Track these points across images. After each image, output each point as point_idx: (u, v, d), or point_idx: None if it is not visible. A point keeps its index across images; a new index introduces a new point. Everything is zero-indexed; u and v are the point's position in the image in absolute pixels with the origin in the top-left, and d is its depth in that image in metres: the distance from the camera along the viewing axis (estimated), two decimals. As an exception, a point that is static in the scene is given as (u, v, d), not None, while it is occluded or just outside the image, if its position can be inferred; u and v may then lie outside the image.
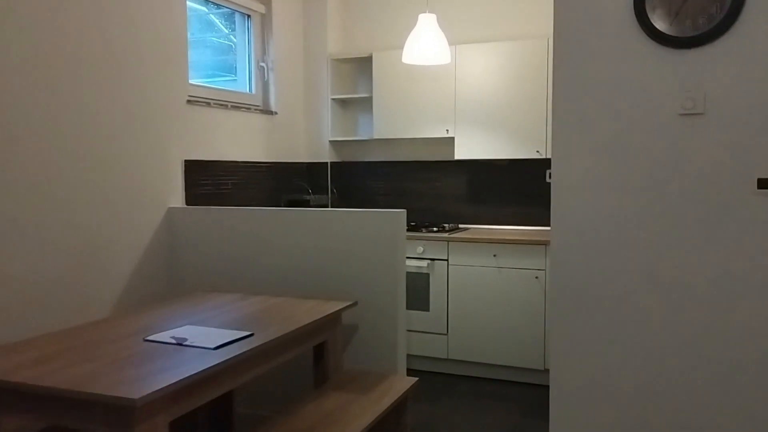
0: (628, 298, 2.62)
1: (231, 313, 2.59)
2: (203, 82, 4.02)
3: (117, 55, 3.14)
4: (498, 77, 4.22)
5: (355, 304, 2.84)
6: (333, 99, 4.84)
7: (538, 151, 4.16)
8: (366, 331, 3.03)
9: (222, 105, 3.95)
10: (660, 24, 2.49)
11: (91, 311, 3.00)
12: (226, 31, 4.43)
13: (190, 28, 4.14)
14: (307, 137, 4.91)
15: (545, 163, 4.45)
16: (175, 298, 3.11)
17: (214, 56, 4.39)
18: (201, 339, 2.16)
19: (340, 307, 2.71)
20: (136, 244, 3.27)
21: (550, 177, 4.39)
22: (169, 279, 3.50)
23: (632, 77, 2.57)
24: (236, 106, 4.10)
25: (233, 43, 4.43)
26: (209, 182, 3.85)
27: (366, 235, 3.03)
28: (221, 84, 4.26)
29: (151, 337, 2.20)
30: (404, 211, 3.06)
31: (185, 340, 2.15)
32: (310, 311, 2.61)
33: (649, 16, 2.51)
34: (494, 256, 4.01)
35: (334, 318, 2.68)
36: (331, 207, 4.90)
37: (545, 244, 3.88)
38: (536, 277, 3.91)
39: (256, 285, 3.29)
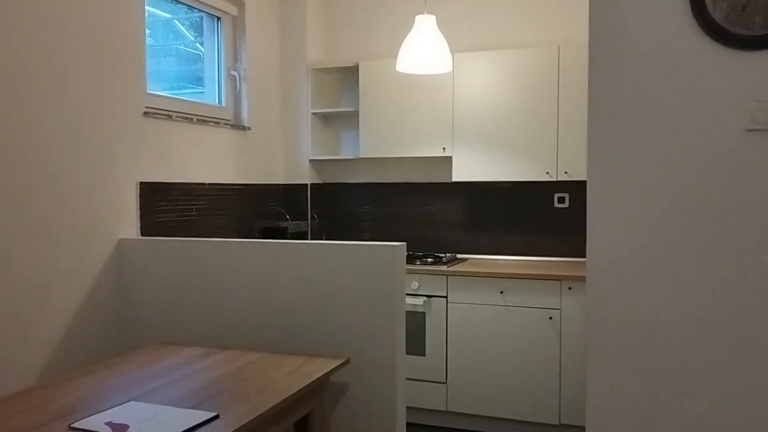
0: (684, 345, 2.16)
1: (191, 378, 2.06)
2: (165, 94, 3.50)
3: (60, 59, 2.61)
4: (501, 89, 3.79)
5: (346, 362, 2.33)
6: (314, 113, 4.36)
7: (547, 173, 3.72)
8: (358, 388, 2.52)
9: (186, 118, 3.44)
10: (723, 20, 2.07)
11: (11, 378, 2.44)
12: (193, 39, 3.93)
13: (153, 36, 3.64)
14: (285, 156, 4.41)
15: (555, 186, 4.02)
16: (122, 355, 2.57)
17: (179, 66, 3.89)
18: (147, 426, 1.63)
19: (330, 368, 2.19)
20: (76, 286, 2.72)
21: (559, 202, 3.95)
22: (118, 328, 2.95)
23: (688, 85, 2.13)
24: (203, 120, 3.59)
25: (201, 52, 3.93)
26: (169, 208, 3.32)
27: (358, 273, 2.54)
28: (187, 97, 3.75)
29: (79, 424, 1.66)
30: (404, 244, 2.58)
31: (126, 428, 1.62)
32: (292, 374, 2.10)
33: (710, 10, 2.08)
34: (501, 293, 3.53)
35: (321, 383, 2.17)
36: (312, 235, 4.39)
37: (560, 279, 3.42)
38: (550, 318, 3.44)
39: (225, 335, 2.75)
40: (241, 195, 3.93)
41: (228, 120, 3.90)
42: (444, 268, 3.67)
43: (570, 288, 3.40)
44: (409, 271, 3.70)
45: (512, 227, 4.12)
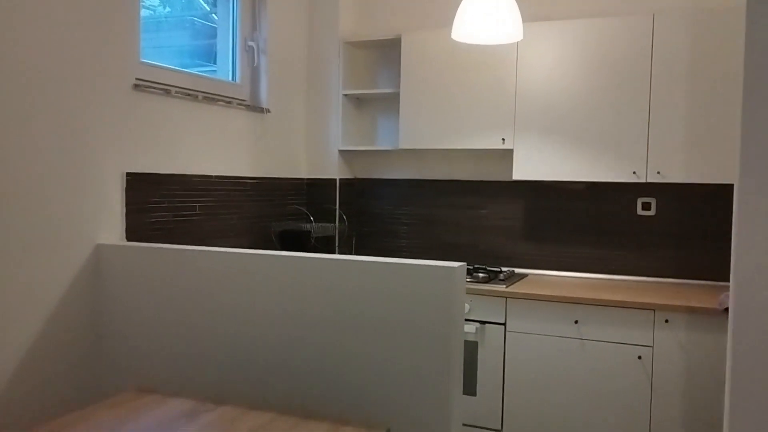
0: None
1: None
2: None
3: (24, 15, 2.02)
4: (578, 68, 3.10)
5: (387, 433, 1.69)
6: (345, 95, 3.72)
7: (634, 173, 3.03)
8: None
9: (188, 95, 2.83)
10: None
11: (-60, 424, 1.85)
12: (209, 9, 3.33)
13: (163, 4, 3.05)
14: (310, 145, 3.78)
15: (639, 189, 3.32)
16: (88, 409, 1.98)
17: (193, 41, 3.28)
18: None
19: (364, 446, 1.56)
20: (38, 305, 2.12)
21: (644, 208, 3.25)
22: (90, 368, 2.35)
23: None
24: (210, 98, 2.97)
25: (216, 24, 3.32)
26: (165, 205, 2.71)
27: (401, 301, 1.90)
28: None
29: None
30: (464, 265, 1.93)
31: None
32: (310, 458, 1.46)
33: None
34: (575, 322, 2.86)
35: (352, 468, 1.53)
36: (339, 240, 3.76)
37: (653, 309, 2.73)
38: (639, 357, 2.76)
39: (223, 381, 2.14)
40: (255, 191, 3.31)
41: (242, 100, 3.28)
42: (502, 287, 3.01)
43: (667, 321, 2.71)
44: (459, 290, 3.05)
45: (584, 238, 3.44)
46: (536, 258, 3.53)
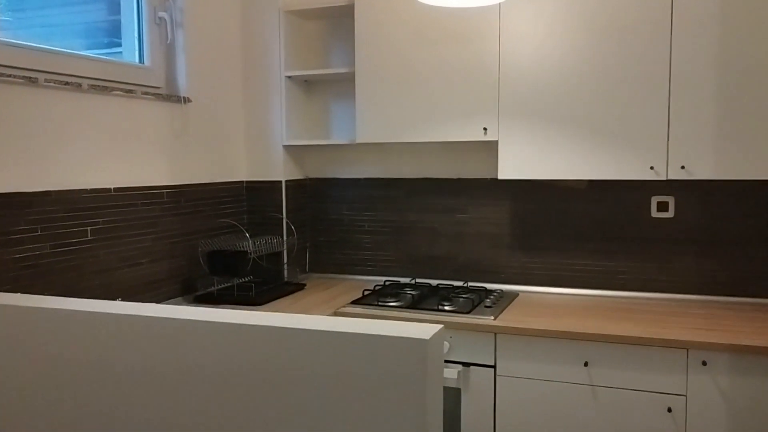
0: None
1: None
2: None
3: None
4: (576, 36, 2.48)
5: None
6: (289, 77, 3.06)
7: (653, 168, 2.42)
8: None
9: (68, 83, 2.15)
10: None
11: None
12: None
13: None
14: (248, 140, 3.12)
15: (653, 187, 2.73)
16: None
17: (94, 17, 2.58)
18: None
19: None
20: None
21: (660, 209, 2.66)
22: None
23: None
24: (102, 86, 2.29)
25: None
26: (39, 234, 2.05)
27: (354, 383, 1.28)
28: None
29: None
30: (441, 329, 1.32)
31: None
32: None
33: None
34: (585, 364, 2.26)
35: None
36: (288, 259, 3.11)
37: (686, 348, 2.15)
38: (669, 410, 2.17)
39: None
40: (176, 202, 2.65)
41: (153, 87, 2.60)
42: (489, 320, 2.40)
43: (705, 363, 2.13)
44: (435, 321, 2.43)
45: (586, 246, 2.84)
46: (529, 272, 2.93)
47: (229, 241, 2.80)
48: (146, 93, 2.50)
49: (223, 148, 2.96)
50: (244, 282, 2.95)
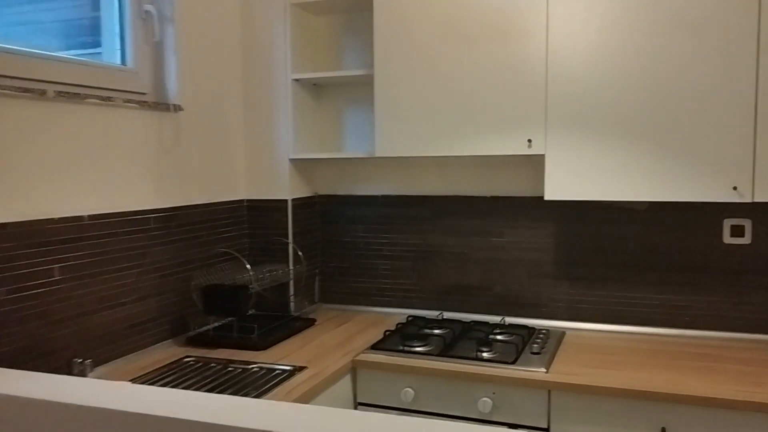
0: None
1: None
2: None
3: None
4: (640, 31, 2.10)
5: None
6: (297, 80, 2.68)
7: (736, 188, 2.04)
8: None
9: (28, 90, 1.77)
10: None
11: None
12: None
13: None
14: (249, 154, 2.74)
15: (726, 209, 2.34)
16: None
17: (73, 15, 2.21)
18: None
19: None
20: None
21: (734, 234, 2.27)
22: None
23: None
24: (76, 94, 1.91)
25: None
26: (-12, 280, 1.67)
27: None
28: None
29: None
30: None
31: None
32: None
33: None
34: (662, 431, 1.87)
35: None
36: (295, 290, 2.73)
37: (791, 413, 1.76)
38: (770, 490, 1.78)
39: None
40: (165, 228, 2.27)
41: (138, 93, 2.22)
42: (541, 372, 2.01)
43: (817, 434, 1.74)
44: (471, 376, 2.04)
45: (644, 277, 2.45)
46: (576, 306, 2.54)
47: (227, 273, 2.42)
48: (129, 100, 2.12)
49: (220, 163, 2.58)
50: (244, 319, 2.57)
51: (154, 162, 2.23)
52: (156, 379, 1.97)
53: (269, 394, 1.84)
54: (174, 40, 2.32)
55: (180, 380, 1.96)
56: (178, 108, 2.33)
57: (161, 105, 2.26)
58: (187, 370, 2.06)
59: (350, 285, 2.87)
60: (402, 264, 2.78)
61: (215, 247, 2.52)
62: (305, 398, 1.88)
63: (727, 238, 2.35)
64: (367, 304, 2.85)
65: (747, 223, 2.33)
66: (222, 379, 1.97)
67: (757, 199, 2.02)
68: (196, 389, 1.89)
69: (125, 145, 2.11)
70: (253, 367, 2.07)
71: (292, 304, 2.71)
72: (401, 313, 2.76)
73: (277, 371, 2.04)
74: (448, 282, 2.71)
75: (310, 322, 2.59)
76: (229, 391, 1.87)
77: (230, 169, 2.64)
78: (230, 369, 2.06)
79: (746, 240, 2.33)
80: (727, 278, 2.36)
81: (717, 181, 2.06)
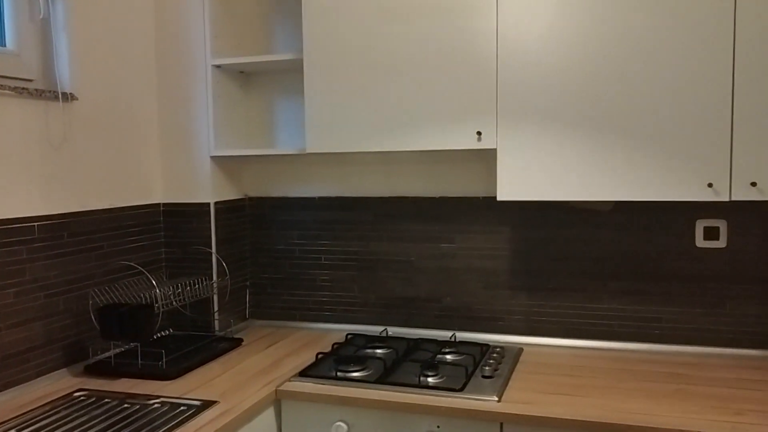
0: None
1: None
2: None
3: None
4: (601, 11, 1.84)
5: None
6: (218, 66, 2.37)
7: (711, 185, 1.80)
8: None
9: None
10: None
11: None
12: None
13: None
14: (164, 151, 2.42)
15: (698, 209, 2.10)
16: None
17: None
18: None
19: None
20: None
21: (707, 237, 2.04)
22: None
23: None
24: None
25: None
26: None
27: None
28: None
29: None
30: None
31: None
32: None
33: None
34: (632, 470, 1.61)
35: None
36: (221, 303, 2.42)
37: (780, 448, 1.51)
38: None
39: None
40: (54, 239, 1.94)
41: (20, 79, 1.89)
42: (491, 401, 1.74)
43: (810, 473, 1.50)
44: (408, 406, 1.76)
45: (611, 285, 2.21)
46: (535, 319, 2.28)
47: (132, 290, 2.09)
48: (5, 87, 1.79)
49: (128, 163, 2.25)
50: (155, 342, 2.25)
51: (39, 161, 1.90)
52: (30, 422, 1.64)
53: (166, 439, 1.54)
54: (64, 17, 1.99)
55: (61, 422, 1.64)
56: (70, 97, 2.00)
57: (48, 93, 1.93)
58: (75, 407, 1.74)
59: (284, 299, 2.57)
60: (342, 274, 2.49)
61: (120, 260, 2.19)
62: (211, 442, 1.58)
63: (701, 242, 2.12)
64: (304, 320, 2.55)
65: (722, 225, 2.10)
66: (113, 419, 1.66)
67: (735, 198, 1.78)
68: (78, 434, 1.57)
69: (1, 141, 1.78)
70: (154, 403, 1.76)
71: (216, 323, 2.40)
72: (342, 330, 2.47)
73: (182, 407, 1.73)
74: (394, 294, 2.43)
75: (235, 343, 2.29)
76: (118, 435, 1.56)
77: (141, 169, 2.32)
78: (126, 406, 1.75)
79: (721, 243, 2.10)
80: (700, 286, 2.12)
81: (690, 178, 1.81)
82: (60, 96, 1.96)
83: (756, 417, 1.60)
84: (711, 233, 2.11)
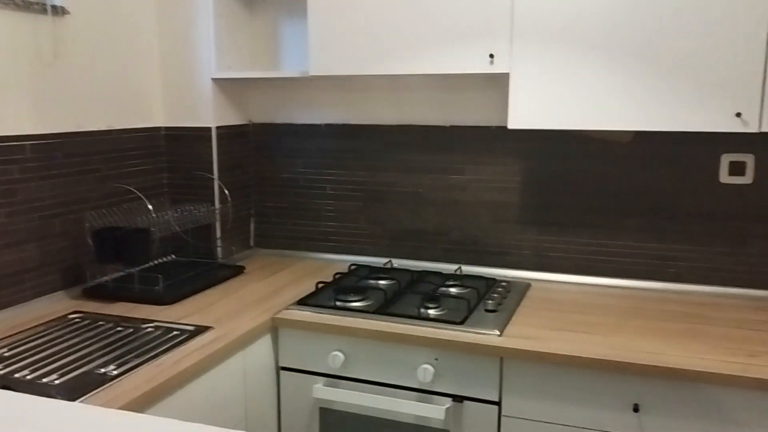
0: None
1: None
2: None
3: None
4: None
5: None
6: (219, -17, 2.25)
7: (739, 115, 1.67)
8: None
9: None
10: None
11: None
12: None
13: None
14: (165, 72, 2.33)
15: (727, 140, 1.98)
16: None
17: None
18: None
19: None
20: None
21: (732, 172, 1.93)
22: None
23: None
24: None
25: None
26: None
27: None
28: None
29: None
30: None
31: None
32: None
33: None
34: (635, 409, 1.56)
35: None
36: (223, 229, 2.37)
37: (792, 392, 1.44)
38: (762, 483, 1.49)
39: None
40: (47, 160, 1.89)
41: (1, -11, 1.80)
42: (492, 335, 1.68)
43: (823, 418, 1.43)
44: (406, 337, 1.72)
45: (628, 222, 2.11)
46: (545, 254, 2.21)
47: (129, 215, 2.05)
48: (-12, -3, 1.71)
49: (127, 83, 2.18)
50: (155, 267, 2.22)
51: (28, 78, 1.83)
52: (21, 341, 1.63)
53: (156, 362, 1.51)
54: (53, -76, 1.88)
55: (52, 343, 1.63)
56: (61, 11, 1.91)
57: (36, 5, 1.84)
58: (68, 329, 1.72)
59: (289, 228, 2.52)
60: (348, 205, 2.42)
61: (120, 184, 2.15)
62: (204, 365, 1.56)
63: (725, 177, 2.00)
64: (309, 249, 2.51)
65: (749, 159, 1.97)
66: (104, 342, 1.64)
67: (765, 129, 1.65)
68: (69, 353, 1.55)
69: (-15, 54, 1.71)
70: (147, 327, 1.74)
71: (219, 250, 2.37)
72: (346, 261, 2.42)
73: (176, 332, 1.71)
74: (401, 226, 2.37)
75: (237, 271, 2.25)
76: (109, 356, 1.54)
77: (141, 90, 2.24)
78: (119, 329, 1.73)
79: (747, 179, 1.98)
80: (721, 224, 2.02)
81: (717, 107, 1.69)
82: (49, 9, 1.87)
83: (770, 359, 1.52)
84: (736, 168, 1.99)
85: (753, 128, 1.67)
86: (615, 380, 1.57)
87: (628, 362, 1.53)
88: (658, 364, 1.50)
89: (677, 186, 2.04)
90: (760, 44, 1.63)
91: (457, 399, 1.72)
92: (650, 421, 1.55)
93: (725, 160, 2.00)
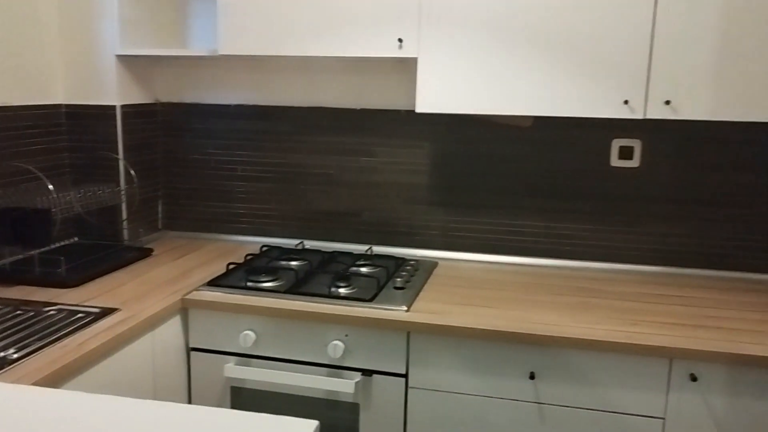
0: None
1: None
2: None
3: None
4: None
5: None
6: (124, -44, 2.18)
7: (626, 102, 1.81)
8: None
9: None
10: None
11: None
12: None
13: None
14: (65, 47, 2.25)
15: (614, 127, 2.13)
16: None
17: None
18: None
19: None
20: None
21: (622, 156, 2.08)
22: None
23: None
24: None
25: None
26: None
27: None
28: None
29: None
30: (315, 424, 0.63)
31: None
32: None
33: None
34: (531, 377, 1.68)
35: None
36: (130, 211, 2.32)
37: (670, 358, 1.59)
38: (642, 439, 1.64)
39: None
40: (-69, 137, 1.79)
41: None
42: (400, 311, 1.76)
43: (694, 378, 1.59)
44: (316, 315, 1.76)
45: (528, 203, 2.23)
46: (452, 234, 2.30)
47: (29, 195, 1.98)
48: None
49: (21, 57, 2.09)
50: (57, 249, 2.16)
51: None
52: None
53: (59, 344, 1.48)
54: None
55: (-55, 328, 1.56)
56: (-51, -22, 1.81)
57: None
58: (-38, 314, 1.65)
59: (199, 210, 2.50)
60: (259, 186, 2.43)
61: (16, 163, 2.06)
62: (110, 346, 1.54)
63: (615, 161, 2.16)
64: (219, 231, 2.50)
65: (636, 144, 2.13)
66: (4, 325, 1.59)
67: (649, 116, 1.80)
68: (-38, 340, 1.50)
69: None
70: (49, 310, 1.69)
71: (125, 232, 2.32)
72: (258, 242, 2.44)
73: (80, 314, 1.67)
74: (312, 207, 2.40)
75: (144, 253, 2.22)
76: (8, 340, 1.50)
77: (39, 65, 2.15)
78: (19, 312, 1.68)
79: (634, 163, 2.14)
80: (612, 205, 2.18)
81: (607, 95, 1.82)
82: (-64, -25, 1.77)
83: (649, 327, 1.67)
84: (625, 152, 2.15)
85: (639, 115, 1.81)
86: (513, 350, 1.68)
87: (524, 333, 1.63)
88: (552, 335, 1.62)
89: (574, 169, 2.18)
90: (644, 35, 1.76)
91: (367, 373, 1.78)
92: (545, 388, 1.67)
93: (615, 144, 2.15)
